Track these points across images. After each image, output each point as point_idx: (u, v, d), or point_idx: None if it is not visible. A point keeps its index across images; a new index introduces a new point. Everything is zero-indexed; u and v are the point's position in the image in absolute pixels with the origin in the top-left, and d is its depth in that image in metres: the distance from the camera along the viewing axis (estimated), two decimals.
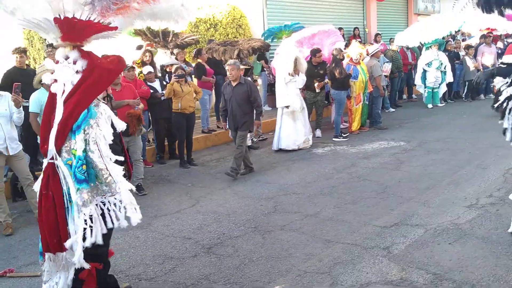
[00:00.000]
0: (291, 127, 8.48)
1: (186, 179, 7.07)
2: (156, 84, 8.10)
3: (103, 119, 3.17)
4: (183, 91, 7.60)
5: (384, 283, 3.69)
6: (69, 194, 3.06)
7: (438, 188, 5.90)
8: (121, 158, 3.24)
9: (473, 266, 3.84)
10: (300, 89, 8.82)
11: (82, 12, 2.98)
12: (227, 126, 7.36)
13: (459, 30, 13.23)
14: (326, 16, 15.38)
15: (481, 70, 12.89)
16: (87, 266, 3.09)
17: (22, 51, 7.27)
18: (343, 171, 6.97)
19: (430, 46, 12.23)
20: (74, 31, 3.08)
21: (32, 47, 13.08)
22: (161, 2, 3.09)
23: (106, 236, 3.26)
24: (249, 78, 8.60)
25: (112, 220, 3.14)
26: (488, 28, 13.86)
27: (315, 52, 9.32)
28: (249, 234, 4.82)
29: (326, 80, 9.39)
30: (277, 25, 11.76)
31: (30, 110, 5.95)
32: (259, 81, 10.03)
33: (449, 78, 12.61)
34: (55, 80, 3.16)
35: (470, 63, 12.73)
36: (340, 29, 14.48)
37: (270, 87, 12.11)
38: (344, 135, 9.30)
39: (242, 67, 8.48)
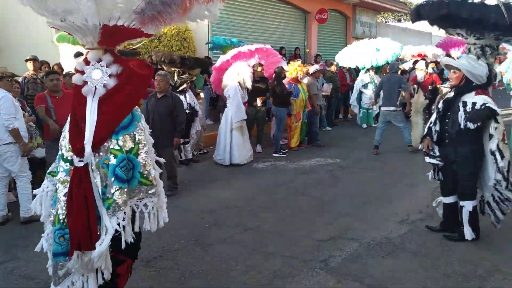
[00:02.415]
0: (241, 142, 8.58)
1: None
2: None
3: (144, 123, 3.20)
4: None
5: None
6: (103, 193, 3.00)
7: (372, 204, 6.16)
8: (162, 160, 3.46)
9: (404, 279, 4.05)
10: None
11: (126, 20, 2.96)
12: None
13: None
14: (268, 35, 15.76)
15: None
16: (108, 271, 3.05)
17: None
18: (283, 186, 7.12)
19: (368, 69, 12.83)
20: (115, 37, 3.07)
21: None
22: (192, 11, 3.08)
23: (139, 236, 3.31)
24: (189, 91, 8.62)
25: (144, 221, 3.13)
26: (420, 55, 14.73)
27: (258, 66, 9.45)
28: (189, 247, 4.80)
29: (268, 95, 9.57)
30: (224, 38, 11.90)
31: None
32: (202, 95, 10.04)
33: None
34: (85, 82, 3.07)
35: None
36: (282, 48, 14.89)
37: (212, 101, 12.18)
38: (283, 151, 9.50)
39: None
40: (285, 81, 9.82)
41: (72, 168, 3.06)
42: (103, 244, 2.93)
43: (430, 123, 5.02)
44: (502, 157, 4.48)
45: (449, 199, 4.98)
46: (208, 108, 12.04)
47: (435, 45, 14.24)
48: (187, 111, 8.10)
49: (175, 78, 8.33)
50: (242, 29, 14.64)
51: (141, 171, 3.05)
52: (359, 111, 13.19)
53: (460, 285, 3.91)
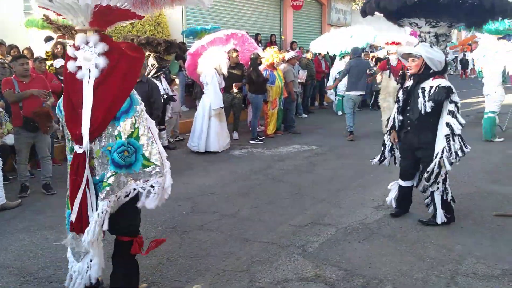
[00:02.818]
0: (219, 129, 8.53)
1: None
2: None
3: (143, 105, 3.15)
4: None
5: (300, 280, 3.83)
6: (101, 181, 3.05)
7: (348, 190, 6.22)
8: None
9: (381, 263, 4.11)
10: None
11: (118, 1, 2.92)
12: None
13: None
14: (244, 22, 15.65)
15: None
16: (94, 249, 3.14)
17: None
18: (260, 173, 7.12)
19: (343, 56, 12.89)
20: (106, 18, 3.03)
21: None
22: None
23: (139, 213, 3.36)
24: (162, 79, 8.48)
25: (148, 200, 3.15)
26: (394, 42, 14.82)
27: (233, 51, 9.34)
28: (166, 234, 4.75)
29: (244, 81, 9.52)
30: (199, 26, 11.77)
31: None
32: (177, 81, 9.90)
33: None
34: (79, 67, 3.03)
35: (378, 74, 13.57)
36: (257, 35, 14.81)
37: (188, 88, 12.05)
38: (260, 138, 9.49)
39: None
40: (261, 67, 9.77)
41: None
42: (92, 227, 3.00)
43: (394, 113, 5.10)
44: (462, 126, 4.60)
45: (409, 183, 5.14)
46: (183, 95, 11.91)
47: (409, 33, 14.35)
48: (164, 96, 8.00)
49: (150, 63, 8.18)
50: (217, 15, 14.48)
51: (143, 153, 3.05)
52: (335, 98, 13.26)
53: (435, 269, 3.98)
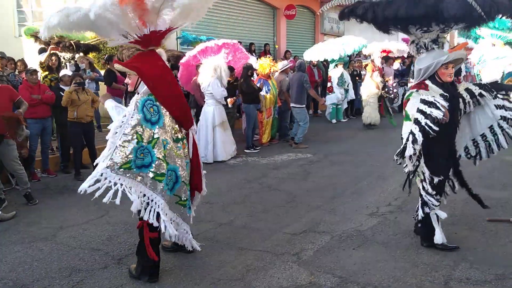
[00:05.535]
0: (224, 138, 8.59)
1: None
2: None
3: None
4: (79, 99, 7.29)
5: (295, 287, 3.84)
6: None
7: (343, 197, 6.25)
8: None
9: (375, 269, 4.12)
10: None
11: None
12: None
13: (359, 51, 14.18)
14: (238, 31, 15.74)
15: (379, 89, 13.92)
16: None
17: None
18: (255, 181, 7.14)
19: (336, 65, 12.97)
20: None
21: None
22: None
23: None
24: None
25: None
26: (384, 51, 14.90)
27: (231, 70, 9.36)
28: (162, 243, 4.75)
29: (238, 94, 9.57)
30: (194, 36, 11.83)
31: None
32: None
33: (351, 95, 13.46)
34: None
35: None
36: (251, 44, 14.90)
37: None
38: (256, 147, 9.52)
39: None
40: (256, 77, 9.83)
41: (183, 143, 3.96)
42: None
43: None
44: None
45: None
46: None
47: (402, 39, 14.43)
48: None
49: None
50: (211, 25, 14.57)
51: None
52: (329, 107, 13.33)
53: (429, 275, 4.00)
